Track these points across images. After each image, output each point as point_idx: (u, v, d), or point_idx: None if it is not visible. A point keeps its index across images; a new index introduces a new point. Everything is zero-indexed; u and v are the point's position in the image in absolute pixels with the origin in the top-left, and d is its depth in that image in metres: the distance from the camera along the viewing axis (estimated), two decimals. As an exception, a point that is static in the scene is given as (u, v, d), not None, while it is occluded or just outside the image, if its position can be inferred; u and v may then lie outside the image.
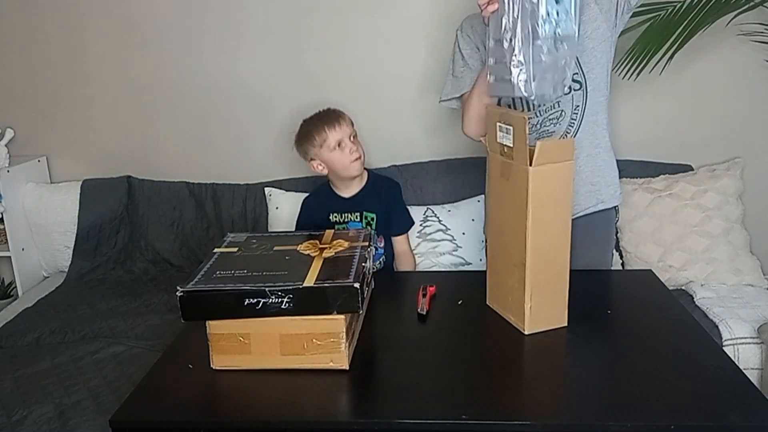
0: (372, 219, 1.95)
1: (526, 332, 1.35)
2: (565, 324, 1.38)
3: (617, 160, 2.46)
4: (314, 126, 1.92)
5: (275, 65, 2.57)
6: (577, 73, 1.64)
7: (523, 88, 1.40)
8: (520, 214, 1.29)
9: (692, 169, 2.44)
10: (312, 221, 1.99)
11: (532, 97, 1.41)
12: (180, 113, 2.68)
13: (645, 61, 2.10)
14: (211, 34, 2.57)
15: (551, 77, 1.40)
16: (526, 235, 1.29)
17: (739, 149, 2.45)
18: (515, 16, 1.37)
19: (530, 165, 1.26)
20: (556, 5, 1.36)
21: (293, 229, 2.10)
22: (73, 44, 2.63)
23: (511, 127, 1.29)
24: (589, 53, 1.63)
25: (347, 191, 1.98)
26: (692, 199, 2.31)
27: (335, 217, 1.97)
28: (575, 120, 1.68)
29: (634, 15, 2.13)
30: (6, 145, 2.59)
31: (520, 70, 1.39)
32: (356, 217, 1.95)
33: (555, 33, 1.37)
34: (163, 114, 2.69)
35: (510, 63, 1.39)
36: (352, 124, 1.96)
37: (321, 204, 2.00)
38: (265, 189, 2.57)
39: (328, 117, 1.93)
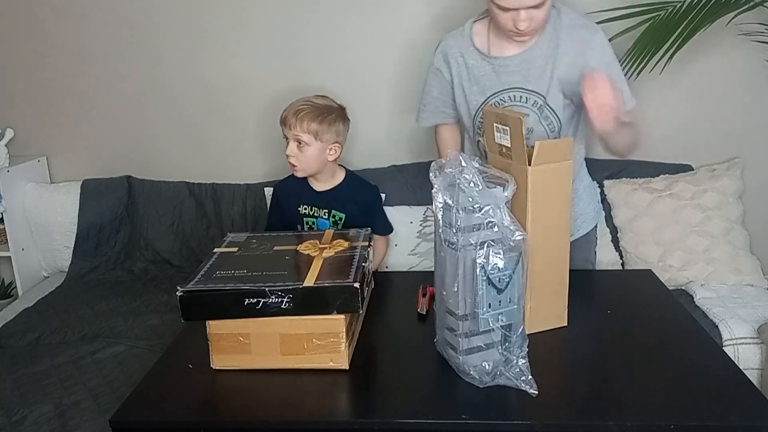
0: (340, 219, 1.90)
1: (526, 332, 1.34)
2: (565, 324, 1.38)
3: (618, 161, 2.47)
4: (284, 110, 1.89)
5: (275, 65, 2.57)
6: (553, 120, 1.65)
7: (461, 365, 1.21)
8: (519, 214, 1.29)
9: (692, 169, 2.44)
10: (281, 209, 1.96)
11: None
12: (180, 113, 2.68)
13: (645, 61, 2.10)
14: (211, 34, 2.57)
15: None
16: (526, 235, 1.29)
17: (739, 149, 2.45)
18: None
19: (529, 165, 1.26)
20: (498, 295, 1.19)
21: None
22: (72, 44, 2.63)
23: (507, 128, 1.29)
24: (562, 104, 1.64)
25: (318, 184, 1.92)
26: (692, 199, 2.31)
27: (305, 209, 1.92)
28: None
29: (634, 15, 2.13)
30: (6, 145, 2.58)
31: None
32: (324, 214, 1.91)
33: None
34: (162, 114, 2.69)
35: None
36: (313, 132, 1.81)
37: (292, 192, 1.95)
38: (265, 189, 2.57)
39: (291, 109, 1.87)
